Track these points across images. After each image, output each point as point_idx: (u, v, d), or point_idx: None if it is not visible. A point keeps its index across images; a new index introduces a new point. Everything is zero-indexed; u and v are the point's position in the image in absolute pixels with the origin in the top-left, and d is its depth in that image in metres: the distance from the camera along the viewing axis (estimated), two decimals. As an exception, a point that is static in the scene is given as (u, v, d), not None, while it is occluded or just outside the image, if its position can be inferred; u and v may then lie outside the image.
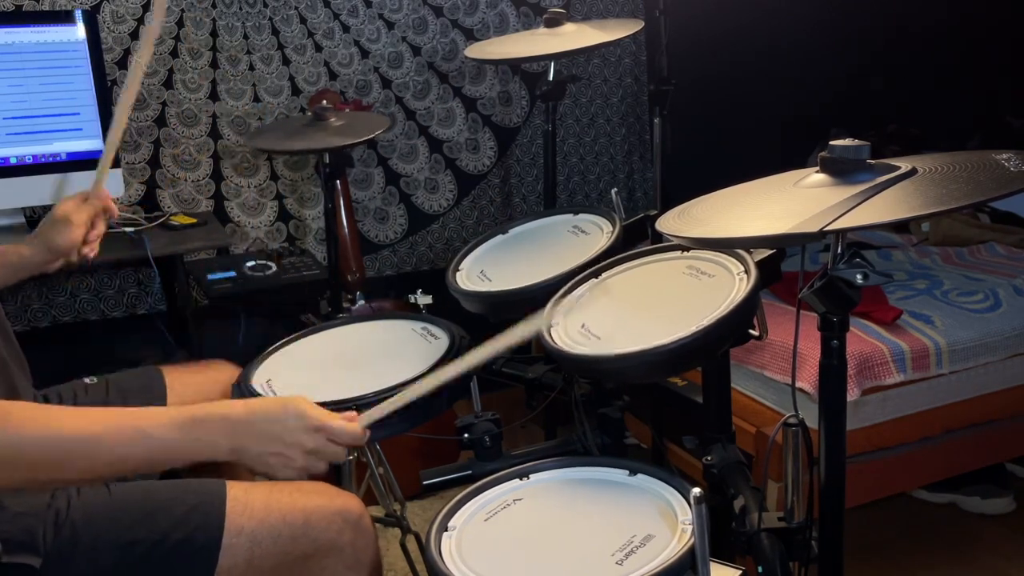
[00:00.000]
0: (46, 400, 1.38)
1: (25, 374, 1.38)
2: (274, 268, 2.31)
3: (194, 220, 2.30)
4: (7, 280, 1.47)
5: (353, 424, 1.12)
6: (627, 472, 1.13)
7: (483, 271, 1.53)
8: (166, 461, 1.07)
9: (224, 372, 1.52)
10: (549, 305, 1.24)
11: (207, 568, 1.13)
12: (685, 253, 1.28)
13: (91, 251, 1.48)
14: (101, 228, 1.51)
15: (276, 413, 1.08)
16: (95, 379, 1.45)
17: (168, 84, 2.48)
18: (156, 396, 1.44)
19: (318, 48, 2.64)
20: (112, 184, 2.19)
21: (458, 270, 1.55)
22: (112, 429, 1.00)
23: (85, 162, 2.16)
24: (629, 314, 1.22)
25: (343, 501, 1.22)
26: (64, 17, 2.15)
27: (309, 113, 2.01)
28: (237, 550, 1.14)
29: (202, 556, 1.13)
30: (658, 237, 1.20)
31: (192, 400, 1.46)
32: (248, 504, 1.17)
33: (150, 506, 1.15)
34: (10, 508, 1.10)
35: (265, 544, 1.16)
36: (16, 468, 0.96)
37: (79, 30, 2.13)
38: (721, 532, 1.20)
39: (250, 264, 2.30)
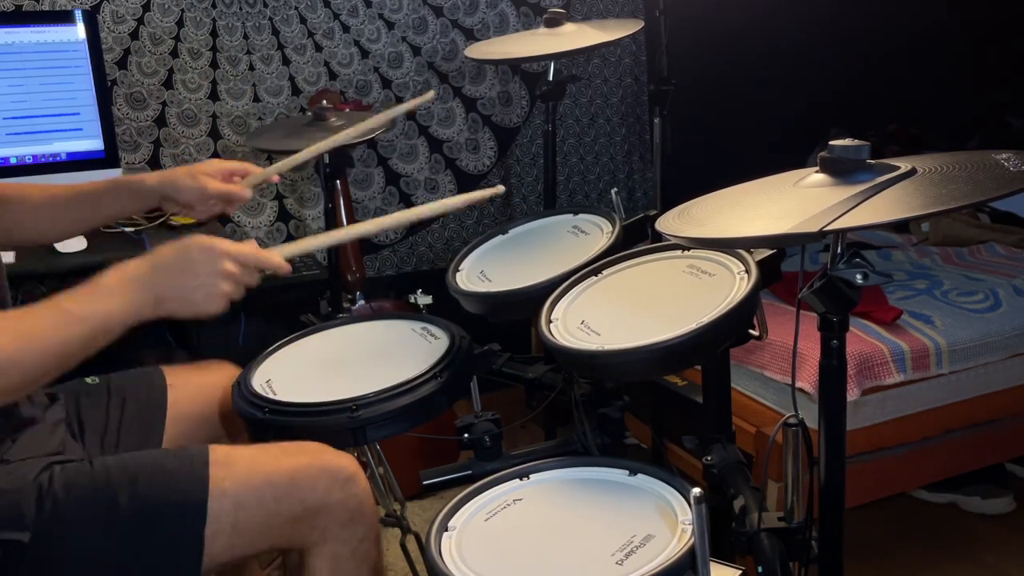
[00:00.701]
0: (52, 399, 1.38)
1: None
2: (274, 268, 2.30)
3: (194, 220, 2.30)
4: (126, 210, 1.44)
5: (251, 245, 1.16)
6: (627, 472, 1.13)
7: (483, 271, 1.53)
8: (107, 333, 1.08)
9: (224, 372, 1.51)
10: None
11: (195, 530, 1.12)
12: (686, 252, 1.28)
13: (195, 214, 1.44)
14: (244, 192, 1.44)
15: (179, 252, 1.12)
16: (96, 379, 1.44)
17: (168, 84, 2.48)
18: (157, 396, 1.44)
19: (318, 48, 2.64)
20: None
21: (458, 270, 1.55)
22: (49, 325, 1.05)
23: (85, 162, 2.16)
24: (629, 311, 1.22)
25: (331, 459, 1.21)
26: (64, 17, 2.15)
27: (309, 113, 2.01)
28: (221, 514, 1.13)
29: (188, 518, 1.12)
30: (658, 237, 1.20)
31: (191, 401, 1.46)
32: (230, 467, 1.16)
33: (132, 473, 1.14)
34: None
35: (250, 507, 1.15)
36: None
37: (79, 30, 2.13)
38: (721, 532, 1.19)
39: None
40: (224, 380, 1.48)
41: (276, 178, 1.51)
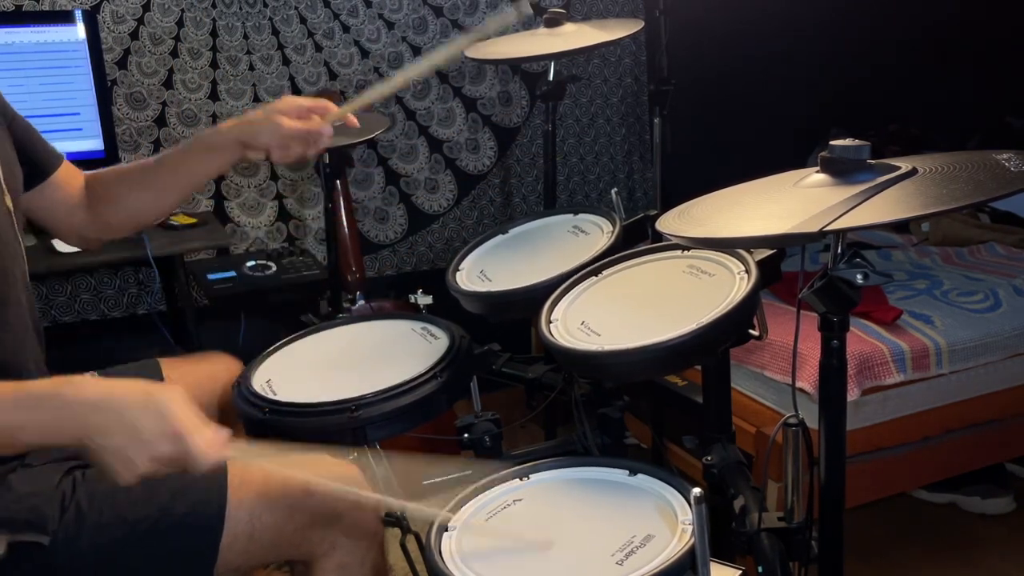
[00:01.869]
0: None
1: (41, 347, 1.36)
2: (274, 268, 2.31)
3: (194, 220, 2.30)
4: (211, 165, 1.35)
5: (217, 445, 0.98)
6: (627, 472, 1.13)
7: (483, 271, 1.53)
8: (10, 445, 0.99)
9: (222, 364, 1.51)
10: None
11: (212, 539, 1.13)
12: (686, 252, 1.28)
13: (278, 158, 1.32)
14: (315, 147, 1.34)
15: (137, 403, 0.96)
16: (95, 373, 1.44)
17: (168, 84, 2.48)
18: None
19: (318, 48, 2.64)
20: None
21: (458, 270, 1.55)
22: None
23: (85, 162, 2.15)
24: (629, 311, 1.22)
25: (341, 469, 1.22)
26: (64, 17, 2.15)
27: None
28: (238, 524, 1.14)
29: (207, 527, 1.13)
30: (658, 237, 1.20)
31: (191, 390, 1.45)
32: (246, 478, 1.17)
33: (152, 483, 1.12)
34: (17, 489, 1.12)
35: (265, 517, 1.16)
36: None
37: (79, 30, 2.13)
38: (721, 532, 1.20)
39: (250, 264, 2.30)
40: (222, 371, 1.48)
41: (352, 120, 1.39)
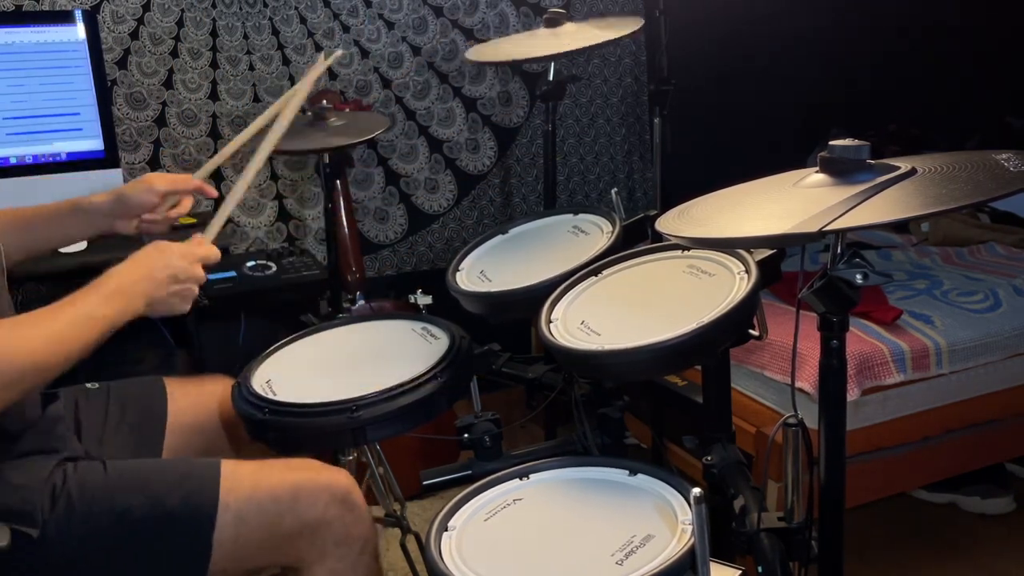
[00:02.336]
0: (52, 395, 1.38)
1: None
2: (274, 268, 2.31)
3: (194, 220, 2.29)
4: (81, 232, 1.46)
5: (199, 243, 1.32)
6: (627, 472, 1.13)
7: (483, 271, 1.53)
8: (108, 334, 1.16)
9: (223, 385, 1.52)
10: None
11: (204, 538, 1.13)
12: (686, 252, 1.28)
13: (152, 226, 1.47)
14: (183, 206, 1.50)
15: (161, 259, 1.24)
16: (96, 385, 1.45)
17: (168, 84, 2.48)
18: (157, 405, 1.44)
19: (318, 48, 2.64)
20: (112, 184, 2.19)
21: (458, 270, 1.55)
22: (72, 328, 1.11)
23: (85, 162, 2.16)
24: (629, 311, 1.22)
25: (330, 476, 1.22)
26: (64, 17, 2.15)
27: (309, 113, 2.01)
28: (224, 526, 1.14)
29: (199, 520, 1.14)
30: (658, 237, 1.20)
31: (191, 412, 1.47)
32: (236, 481, 1.17)
33: (144, 476, 1.17)
34: (10, 480, 1.12)
35: (252, 521, 1.16)
36: (17, 387, 1.05)
37: (79, 30, 2.13)
38: (721, 532, 1.20)
39: (250, 264, 2.30)
40: (222, 393, 1.48)
41: (210, 190, 1.57)
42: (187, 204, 1.51)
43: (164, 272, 1.22)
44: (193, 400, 1.48)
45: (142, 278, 1.21)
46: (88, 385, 1.43)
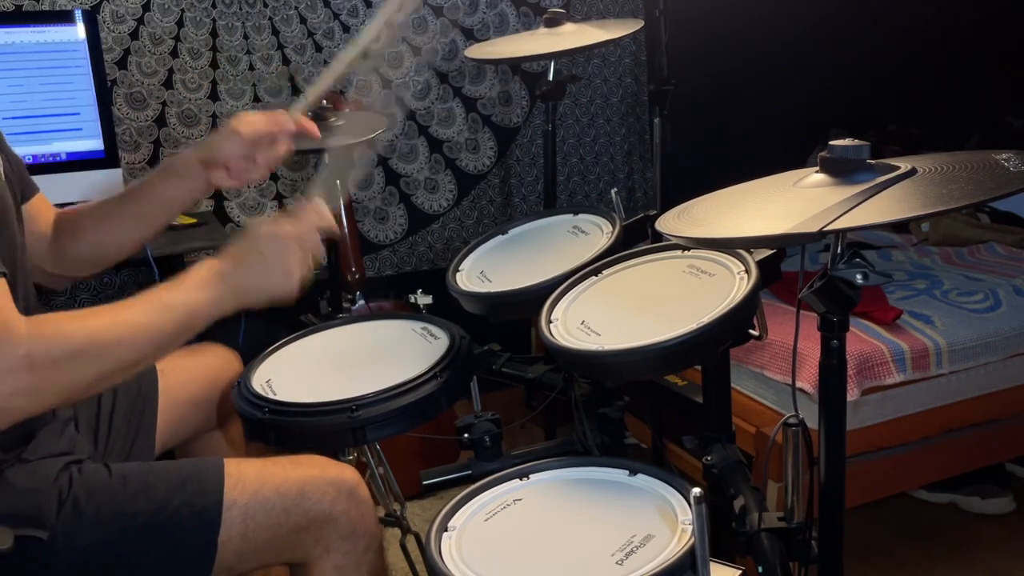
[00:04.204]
0: None
1: None
2: (274, 268, 2.30)
3: (194, 220, 2.30)
4: (180, 194, 1.37)
5: (311, 205, 1.21)
6: (627, 472, 1.13)
7: (483, 272, 1.53)
8: (193, 326, 1.11)
9: (215, 354, 1.52)
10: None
11: (208, 538, 1.13)
12: (686, 252, 1.28)
13: (244, 175, 1.35)
14: (279, 150, 1.37)
15: (251, 246, 1.16)
16: None
17: (168, 84, 2.48)
18: (147, 385, 1.44)
19: (318, 48, 2.64)
20: (112, 184, 2.19)
21: (458, 271, 1.55)
22: (143, 312, 1.07)
23: (85, 162, 2.16)
24: (629, 311, 1.22)
25: (337, 471, 1.22)
26: (64, 17, 2.15)
27: (309, 113, 2.01)
28: (231, 523, 1.15)
29: (204, 521, 1.14)
30: (658, 237, 1.20)
31: (186, 384, 1.46)
32: (241, 478, 1.17)
33: (149, 479, 1.16)
34: (17, 485, 1.12)
35: (259, 517, 1.16)
36: (76, 370, 1.01)
37: (79, 30, 2.13)
38: (721, 532, 1.20)
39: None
40: (215, 362, 1.48)
41: (311, 126, 1.42)
42: (283, 147, 1.38)
43: (262, 259, 1.15)
44: (184, 374, 1.47)
45: (233, 266, 1.14)
46: None
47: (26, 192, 1.36)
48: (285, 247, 1.16)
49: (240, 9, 2.53)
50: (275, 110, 1.39)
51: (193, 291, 1.11)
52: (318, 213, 1.22)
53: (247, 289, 1.14)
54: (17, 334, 0.96)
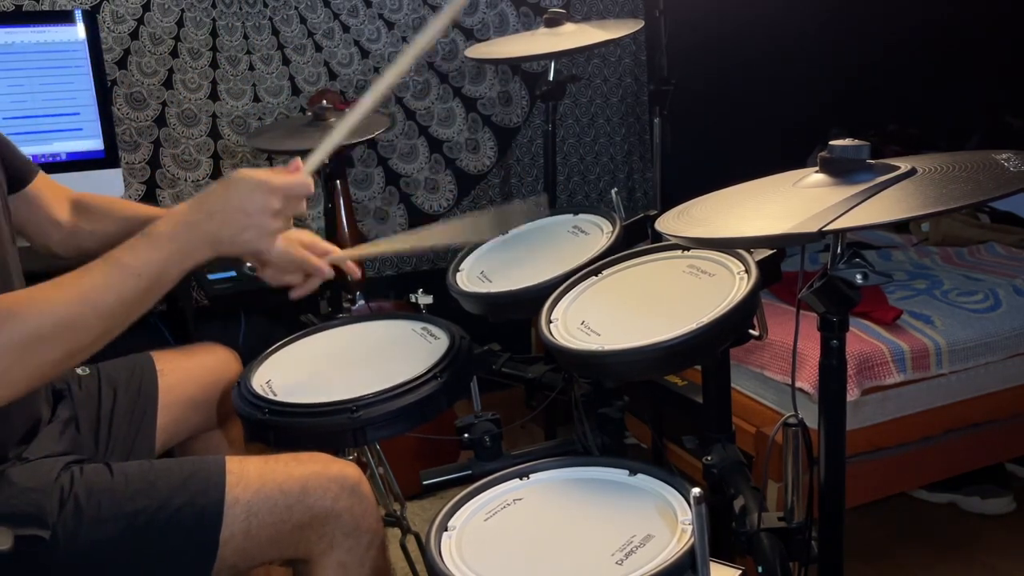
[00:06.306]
0: (60, 395, 1.38)
1: None
2: (274, 268, 2.30)
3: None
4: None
5: (298, 172, 1.16)
6: (627, 472, 1.13)
7: (483, 272, 1.53)
8: (162, 283, 1.08)
9: (214, 355, 1.51)
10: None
11: (210, 536, 1.13)
12: (686, 252, 1.28)
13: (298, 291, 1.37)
14: (313, 284, 1.39)
15: (227, 192, 1.10)
16: (87, 369, 1.44)
17: (168, 84, 2.48)
18: (147, 384, 1.44)
19: (318, 48, 2.64)
20: (112, 184, 2.20)
21: (458, 271, 1.55)
22: (105, 281, 1.04)
23: (85, 162, 2.16)
24: (629, 311, 1.22)
25: (339, 468, 1.22)
26: (64, 17, 2.15)
27: (309, 113, 2.01)
28: (234, 521, 1.14)
29: (205, 519, 1.14)
30: (658, 237, 1.20)
31: (185, 384, 1.46)
32: (243, 475, 1.17)
33: (150, 477, 1.16)
34: (18, 484, 1.12)
35: (262, 515, 1.16)
36: (42, 351, 0.99)
37: (79, 30, 2.13)
38: (721, 532, 1.20)
39: (250, 264, 2.29)
40: (214, 362, 1.48)
41: (353, 268, 1.47)
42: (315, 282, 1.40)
43: (240, 206, 1.10)
44: (184, 374, 1.47)
45: (204, 214, 1.09)
46: (79, 371, 1.43)
47: (24, 176, 1.35)
48: (266, 199, 1.11)
49: (240, 9, 2.53)
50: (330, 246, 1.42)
51: (159, 248, 1.07)
52: (304, 182, 1.17)
53: (220, 239, 1.10)
54: None
